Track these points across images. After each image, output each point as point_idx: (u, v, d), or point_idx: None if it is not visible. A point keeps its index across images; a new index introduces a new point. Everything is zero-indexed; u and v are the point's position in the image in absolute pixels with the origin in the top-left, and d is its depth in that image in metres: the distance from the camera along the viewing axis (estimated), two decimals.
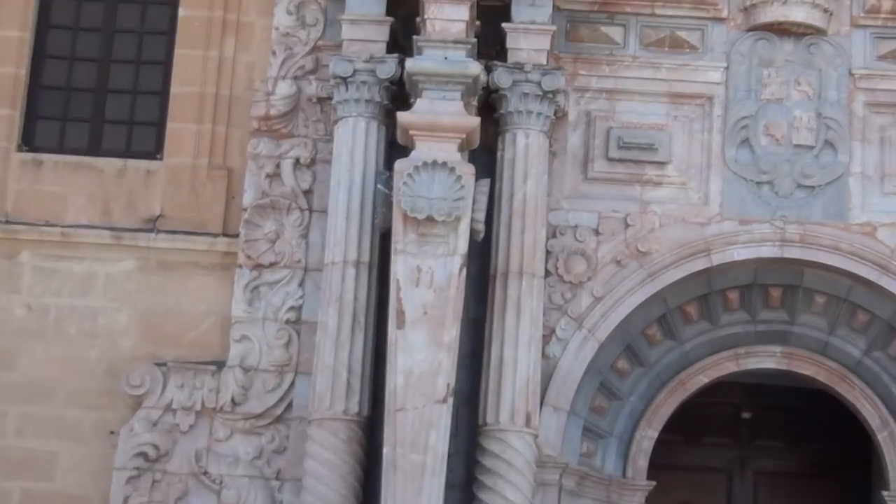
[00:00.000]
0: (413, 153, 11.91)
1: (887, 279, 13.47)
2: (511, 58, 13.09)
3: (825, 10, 13.57)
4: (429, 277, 11.85)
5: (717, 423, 17.14)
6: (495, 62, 13.04)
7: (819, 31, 13.64)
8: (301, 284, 13.39)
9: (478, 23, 12.96)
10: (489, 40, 13.13)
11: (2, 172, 13.95)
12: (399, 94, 12.95)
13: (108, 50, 14.39)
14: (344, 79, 12.86)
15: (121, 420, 13.33)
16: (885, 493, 14.13)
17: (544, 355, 12.94)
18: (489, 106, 13.16)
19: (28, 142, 14.19)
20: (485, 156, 13.00)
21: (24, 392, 13.55)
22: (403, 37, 13.14)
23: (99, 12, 14.43)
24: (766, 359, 14.53)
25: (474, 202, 11.94)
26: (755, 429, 17.32)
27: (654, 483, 14.22)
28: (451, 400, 11.78)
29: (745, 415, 17.04)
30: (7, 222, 13.81)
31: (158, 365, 13.31)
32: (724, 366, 14.55)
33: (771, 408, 16.96)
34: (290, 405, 13.20)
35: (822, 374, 14.41)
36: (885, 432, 14.14)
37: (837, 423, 15.79)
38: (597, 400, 13.76)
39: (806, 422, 16.94)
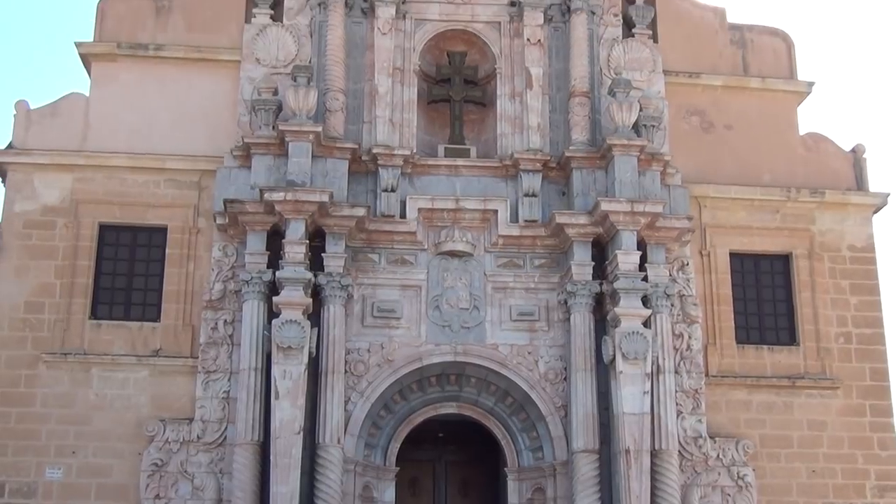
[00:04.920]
0: None
1: None
2: None
3: None
4: None
5: (427, 438, 28.99)
6: None
7: None
8: (228, 380, 26.85)
9: None
10: None
11: (81, 328, 27.44)
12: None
13: (133, 269, 28.07)
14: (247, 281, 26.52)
15: (144, 447, 26.70)
16: (506, 468, 27.21)
17: None
18: None
19: (94, 314, 27.74)
20: None
21: (98, 435, 26.79)
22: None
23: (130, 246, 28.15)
24: (448, 407, 27.45)
25: None
26: (446, 441, 29.70)
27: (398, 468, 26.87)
28: None
29: (441, 434, 29.57)
30: (85, 353, 27.31)
31: (161, 420, 26.85)
32: (429, 411, 27.34)
33: (453, 430, 29.14)
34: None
35: (477, 414, 27.34)
36: (506, 440, 27.41)
37: (480, 437, 28.35)
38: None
39: (469, 436, 29.06)
